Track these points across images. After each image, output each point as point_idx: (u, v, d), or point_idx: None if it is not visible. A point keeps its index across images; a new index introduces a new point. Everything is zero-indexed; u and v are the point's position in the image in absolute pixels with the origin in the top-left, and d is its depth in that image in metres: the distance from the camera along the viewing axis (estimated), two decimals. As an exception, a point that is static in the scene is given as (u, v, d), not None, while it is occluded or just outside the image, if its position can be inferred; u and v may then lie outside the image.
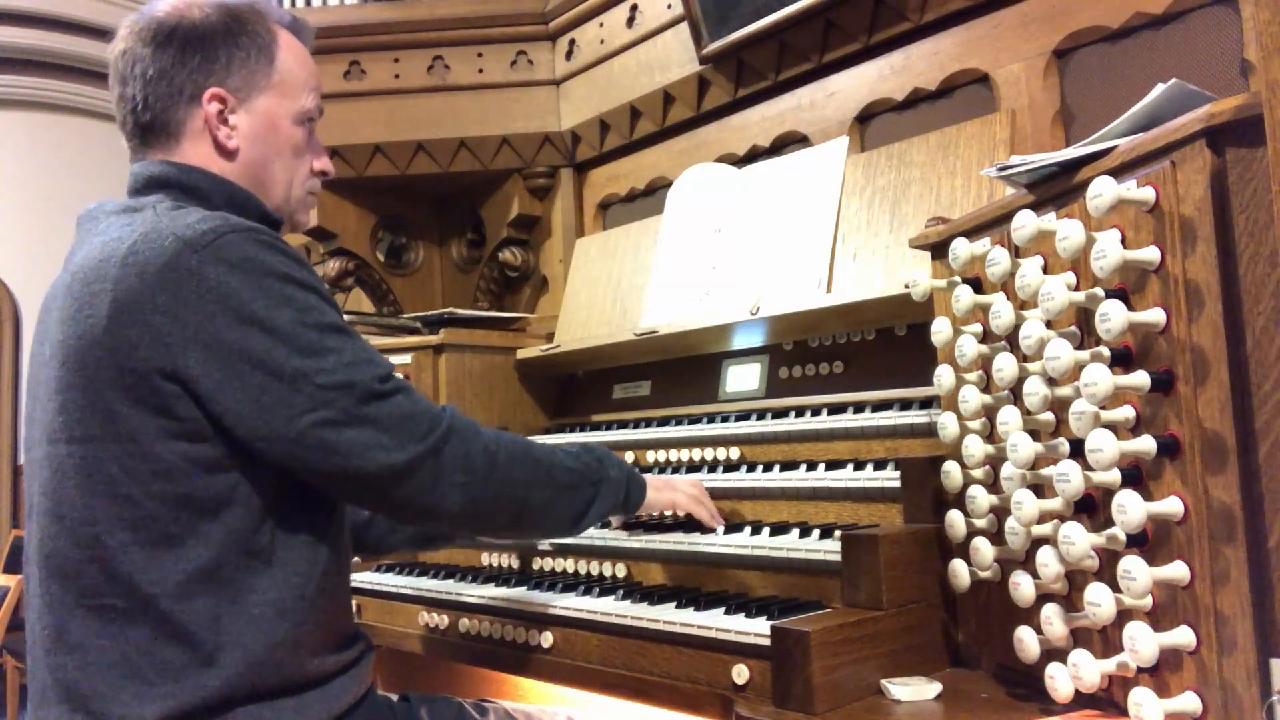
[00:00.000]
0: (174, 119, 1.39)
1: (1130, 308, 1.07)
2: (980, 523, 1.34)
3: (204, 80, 1.39)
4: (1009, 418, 1.20)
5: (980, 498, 1.32)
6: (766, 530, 1.65)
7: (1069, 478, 1.07)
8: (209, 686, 1.21)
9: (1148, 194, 1.07)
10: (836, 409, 1.86)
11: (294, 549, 1.30)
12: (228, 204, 1.37)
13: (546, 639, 1.68)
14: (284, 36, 1.47)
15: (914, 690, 1.30)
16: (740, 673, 1.37)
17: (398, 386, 1.31)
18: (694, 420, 2.11)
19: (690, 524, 1.77)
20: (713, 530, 1.71)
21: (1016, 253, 1.28)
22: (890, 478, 1.59)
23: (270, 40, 1.44)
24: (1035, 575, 1.20)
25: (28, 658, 1.31)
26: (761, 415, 1.98)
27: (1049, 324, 1.17)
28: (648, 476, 1.66)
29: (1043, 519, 1.18)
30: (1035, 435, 1.19)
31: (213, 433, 1.23)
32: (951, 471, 1.38)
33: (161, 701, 1.19)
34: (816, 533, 1.59)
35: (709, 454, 2.02)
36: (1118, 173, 1.13)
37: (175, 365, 1.21)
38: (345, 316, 2.65)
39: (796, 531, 1.63)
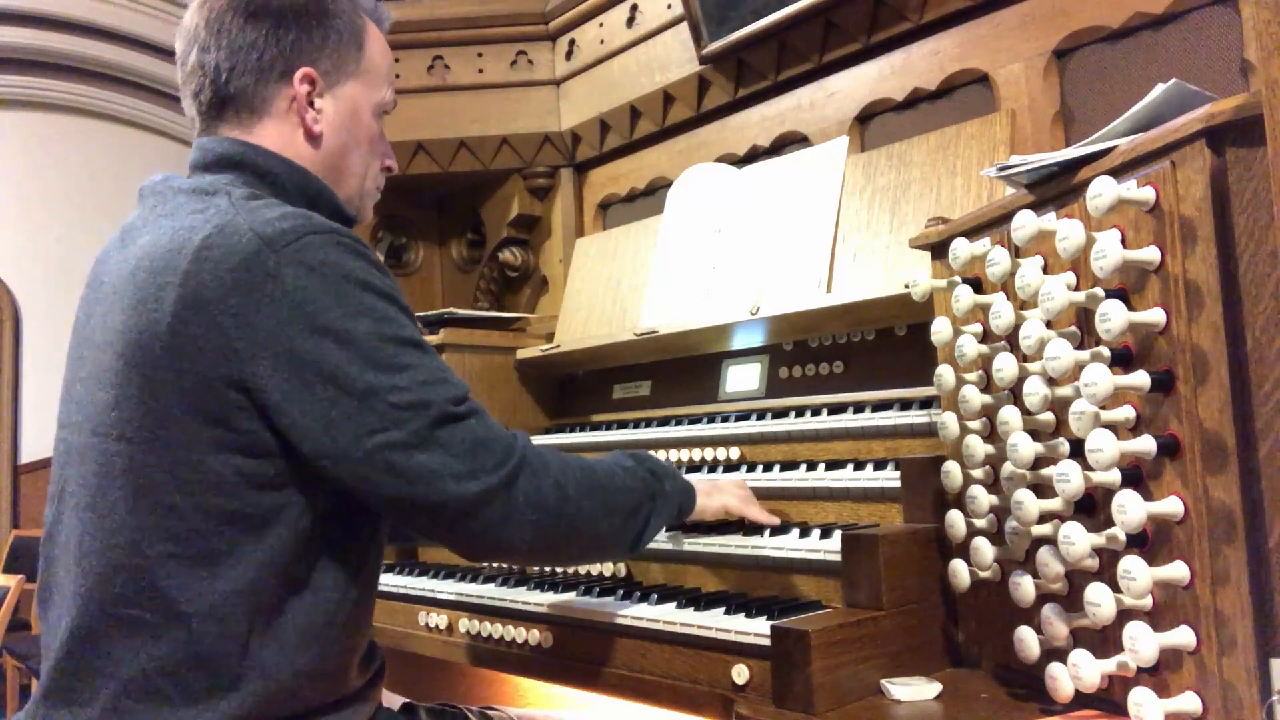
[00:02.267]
0: (259, 95, 1.33)
1: (1130, 308, 1.08)
2: (980, 523, 1.34)
3: (297, 59, 1.33)
4: (1009, 418, 1.20)
5: (980, 498, 1.32)
6: (766, 530, 1.65)
7: (1069, 478, 1.07)
8: (228, 712, 1.16)
9: (1148, 194, 1.07)
10: (836, 409, 1.86)
11: (331, 575, 1.24)
12: (301, 194, 1.32)
13: (547, 638, 1.68)
14: (370, 24, 1.43)
15: (914, 690, 1.30)
16: (740, 673, 1.37)
17: (472, 409, 1.24)
18: (694, 420, 2.11)
19: (728, 526, 1.72)
20: (769, 528, 1.65)
21: (1016, 253, 1.28)
22: (890, 478, 1.59)
23: (360, 26, 1.40)
24: (1035, 575, 1.20)
25: (44, 645, 1.25)
26: (761, 415, 1.98)
27: (1049, 324, 1.17)
28: (693, 481, 1.59)
29: (1043, 519, 1.18)
30: (1035, 435, 1.19)
31: (275, 447, 1.17)
32: (952, 471, 1.38)
33: None
34: (816, 533, 1.59)
35: (709, 454, 2.02)
36: (1118, 173, 1.13)
37: (242, 373, 1.14)
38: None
39: (796, 531, 1.63)
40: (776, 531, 1.64)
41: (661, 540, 1.75)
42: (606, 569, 1.89)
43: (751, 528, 1.67)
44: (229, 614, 1.17)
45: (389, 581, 2.11)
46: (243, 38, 1.32)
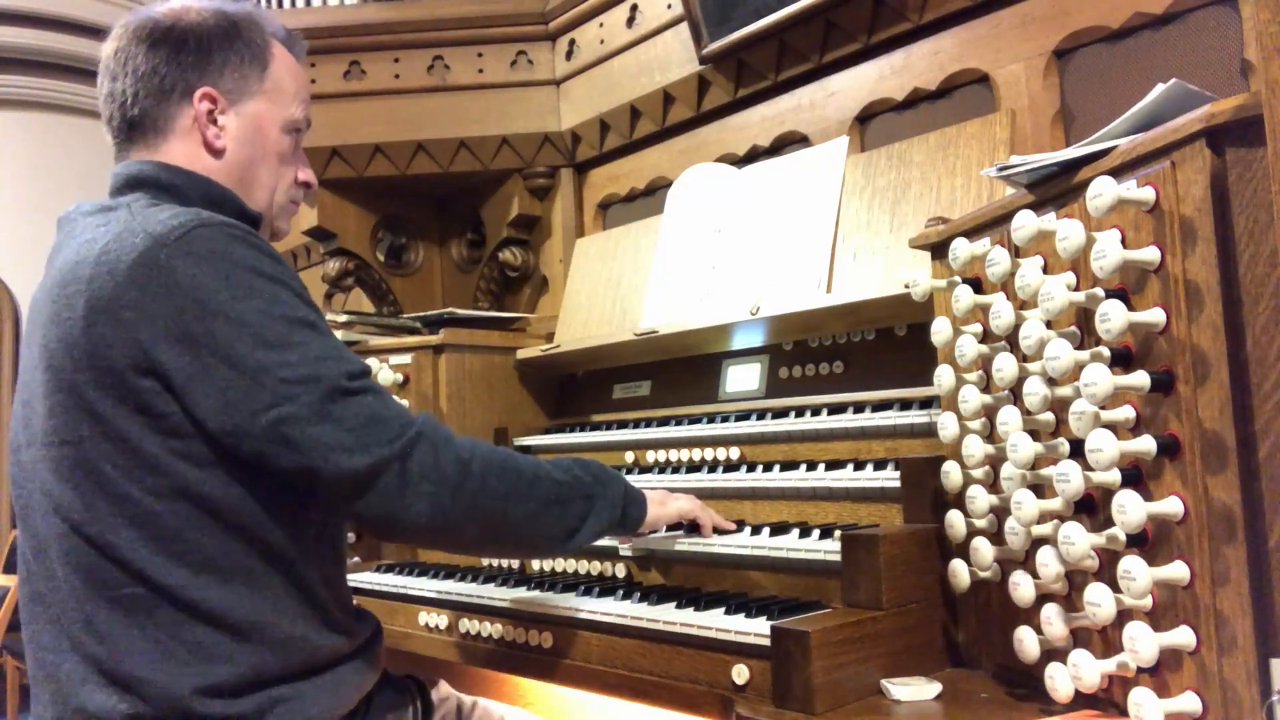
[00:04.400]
0: (163, 115, 1.41)
1: (1130, 308, 1.08)
2: (980, 523, 1.34)
3: (196, 79, 1.41)
4: (1009, 418, 1.20)
5: (980, 498, 1.32)
6: (766, 530, 1.65)
7: (1069, 478, 1.07)
8: (246, 662, 1.23)
9: (1148, 194, 1.07)
10: (836, 409, 1.86)
11: (299, 536, 1.30)
12: (204, 200, 1.38)
13: (547, 639, 1.68)
14: (277, 47, 1.50)
15: (914, 690, 1.30)
16: (740, 673, 1.37)
17: (367, 386, 1.29)
18: (694, 420, 2.11)
19: (692, 524, 1.75)
20: (726, 532, 1.69)
21: (1016, 253, 1.28)
22: (890, 478, 1.59)
23: (264, 48, 1.47)
24: (1035, 575, 1.20)
25: (45, 652, 1.27)
26: (761, 415, 1.98)
27: (1049, 324, 1.17)
28: (647, 492, 1.62)
29: (1043, 519, 1.18)
30: (1035, 435, 1.19)
31: (193, 428, 1.23)
32: (951, 471, 1.38)
33: (200, 677, 1.22)
34: (816, 533, 1.59)
35: (709, 454, 2.02)
36: (1118, 173, 1.13)
37: (149, 360, 1.21)
38: (344, 316, 2.66)
39: (796, 531, 1.63)
40: (777, 531, 1.64)
41: (659, 539, 1.76)
42: (608, 570, 1.89)
43: (756, 527, 1.68)
44: (210, 582, 1.24)
45: (389, 581, 2.11)
46: (146, 64, 1.41)
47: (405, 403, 2.48)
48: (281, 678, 1.27)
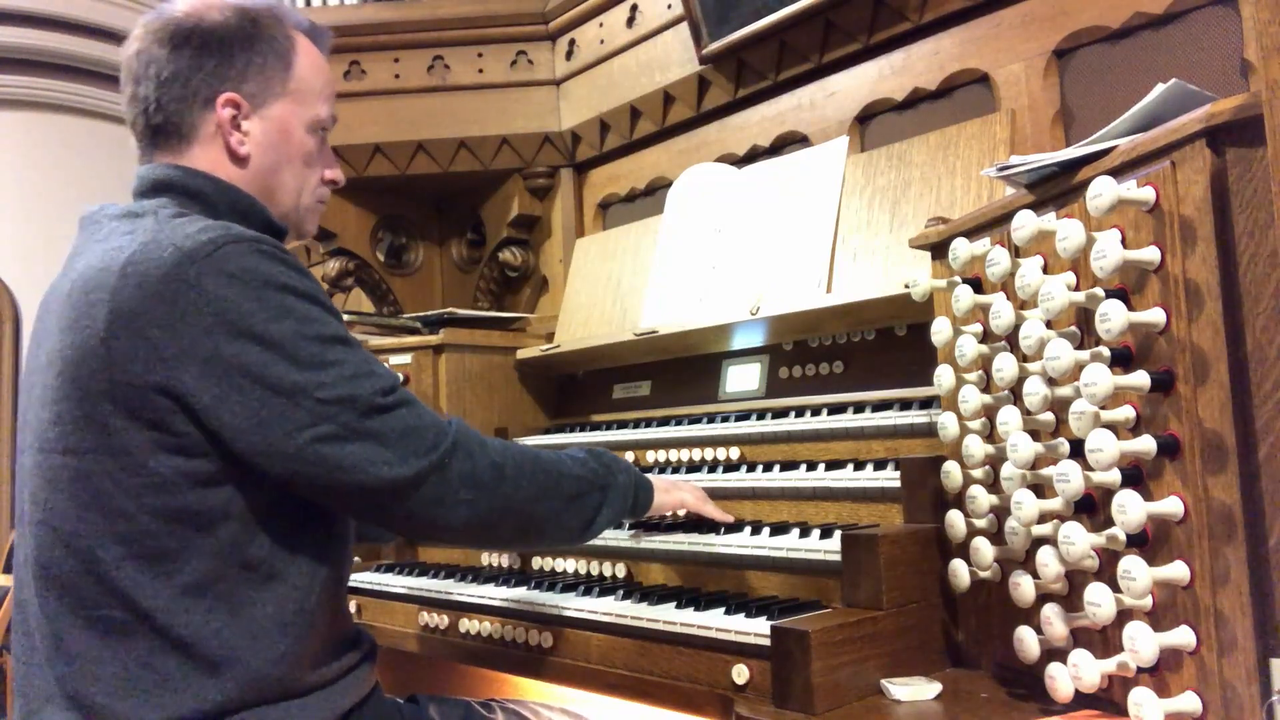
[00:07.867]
0: (186, 122, 1.38)
1: (1130, 308, 1.08)
2: (980, 523, 1.34)
3: (219, 85, 1.38)
4: (1009, 418, 1.20)
5: (980, 498, 1.32)
6: (766, 530, 1.65)
7: (1069, 478, 1.07)
8: (209, 699, 1.20)
9: (1148, 194, 1.07)
10: (836, 409, 1.86)
11: (293, 562, 1.28)
12: (232, 211, 1.36)
13: (547, 639, 1.68)
14: (302, 42, 1.46)
15: (914, 690, 1.30)
16: (740, 673, 1.37)
17: (401, 399, 1.29)
18: (694, 420, 2.11)
19: (691, 524, 1.77)
20: (724, 526, 1.72)
21: (1016, 253, 1.28)
22: (890, 478, 1.59)
23: (288, 46, 1.43)
24: (1035, 575, 1.20)
25: (19, 663, 1.28)
26: (761, 415, 1.98)
27: (1049, 324, 1.17)
28: (652, 478, 1.65)
29: (1043, 519, 1.18)
30: (1035, 435, 1.19)
31: (209, 448, 1.21)
32: (951, 471, 1.38)
33: (161, 710, 1.19)
34: (816, 533, 1.59)
35: (709, 454, 2.02)
36: (1118, 173, 1.13)
37: (171, 380, 1.19)
38: (345, 316, 2.66)
39: (796, 531, 1.63)
40: (777, 531, 1.64)
41: (659, 539, 1.76)
42: (608, 570, 1.89)
43: (756, 527, 1.68)
44: (192, 606, 1.21)
45: (388, 581, 2.11)
46: (168, 69, 1.37)
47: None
48: (249, 706, 1.23)
